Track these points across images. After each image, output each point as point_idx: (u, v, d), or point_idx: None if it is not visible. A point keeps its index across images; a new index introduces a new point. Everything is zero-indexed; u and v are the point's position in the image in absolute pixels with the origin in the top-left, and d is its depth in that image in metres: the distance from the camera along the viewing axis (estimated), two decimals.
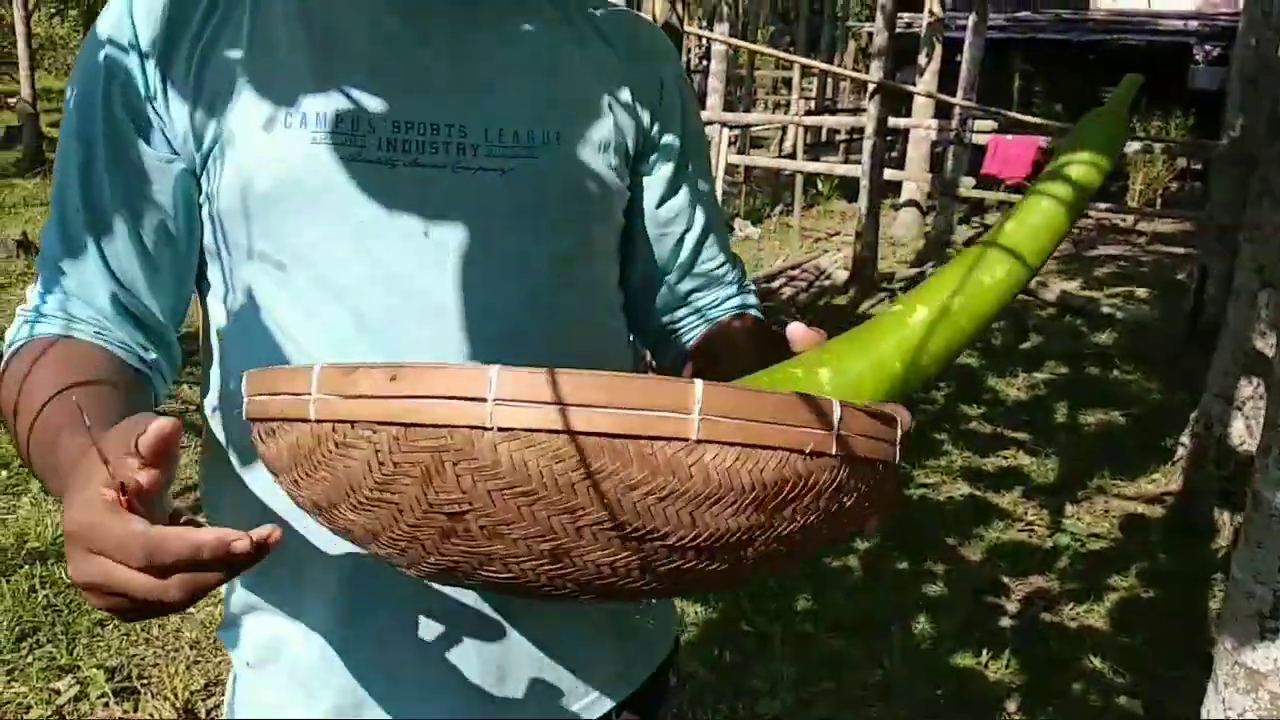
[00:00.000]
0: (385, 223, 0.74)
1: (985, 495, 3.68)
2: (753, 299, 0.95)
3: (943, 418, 4.51)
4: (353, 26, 0.77)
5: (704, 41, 11.96)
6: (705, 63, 11.47)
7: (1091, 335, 6.20)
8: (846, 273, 7.26)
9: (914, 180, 9.49)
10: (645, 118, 0.86)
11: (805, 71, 13.45)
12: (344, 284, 0.75)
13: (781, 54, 10.18)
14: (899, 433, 0.56)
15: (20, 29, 9.90)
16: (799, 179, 10.03)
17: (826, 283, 7.28)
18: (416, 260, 0.75)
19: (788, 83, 12.86)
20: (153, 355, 0.78)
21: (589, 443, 0.46)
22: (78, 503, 0.52)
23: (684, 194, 0.90)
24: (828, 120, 12.89)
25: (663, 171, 0.89)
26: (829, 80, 16.71)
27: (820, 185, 11.51)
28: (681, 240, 0.91)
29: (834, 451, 0.50)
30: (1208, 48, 14.60)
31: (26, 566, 2.78)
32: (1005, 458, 4.07)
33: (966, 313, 0.66)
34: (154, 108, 0.75)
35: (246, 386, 0.57)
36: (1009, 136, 9.84)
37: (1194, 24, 15.37)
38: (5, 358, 0.74)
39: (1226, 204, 5.18)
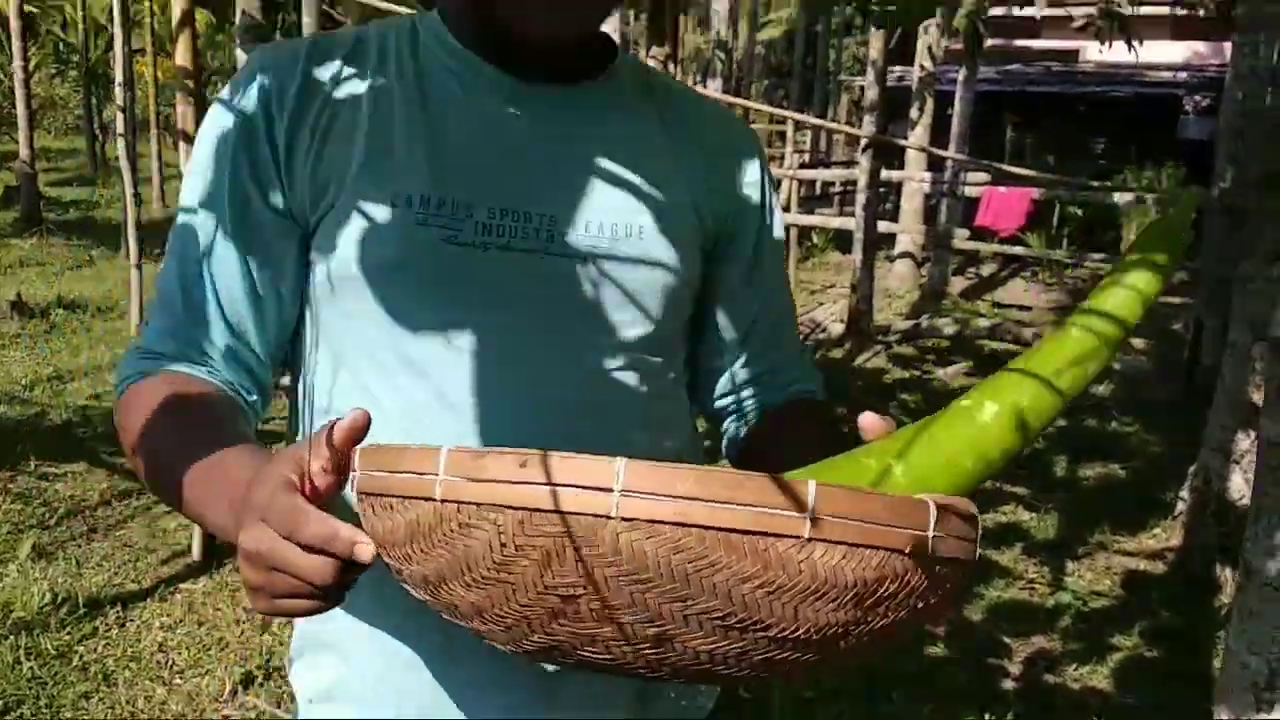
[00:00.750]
0: (472, 302, 0.81)
1: (985, 552, 3.64)
2: (814, 385, 0.99)
3: None
4: (464, 113, 0.83)
5: None
6: None
7: (1089, 386, 6.19)
8: (842, 325, 7.28)
9: (908, 232, 9.55)
10: (726, 216, 0.92)
11: (799, 125, 13.61)
12: (427, 359, 0.81)
13: (775, 110, 10.30)
14: (978, 532, 0.59)
15: (20, 90, 10.01)
16: (794, 232, 10.09)
17: (823, 335, 7.29)
18: (497, 340, 0.81)
19: (781, 136, 13.01)
20: (253, 397, 0.85)
21: (707, 536, 0.49)
22: (262, 481, 0.60)
23: (756, 290, 0.95)
24: (822, 174, 13.03)
25: (739, 268, 0.94)
26: (822, 134, 16.90)
27: (815, 238, 11.59)
28: (750, 331, 0.95)
29: (930, 552, 0.53)
30: (1197, 98, 14.80)
31: (11, 637, 2.73)
32: (1005, 513, 4.04)
33: (1034, 412, 0.66)
34: (278, 176, 0.82)
35: (359, 461, 0.59)
36: (1002, 188, 9.92)
37: (1182, 75, 15.59)
38: (123, 388, 0.82)
39: (1219, 255, 5.21)
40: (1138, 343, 7.41)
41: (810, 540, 0.49)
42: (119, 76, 6.52)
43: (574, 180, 0.84)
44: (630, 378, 0.85)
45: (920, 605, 0.54)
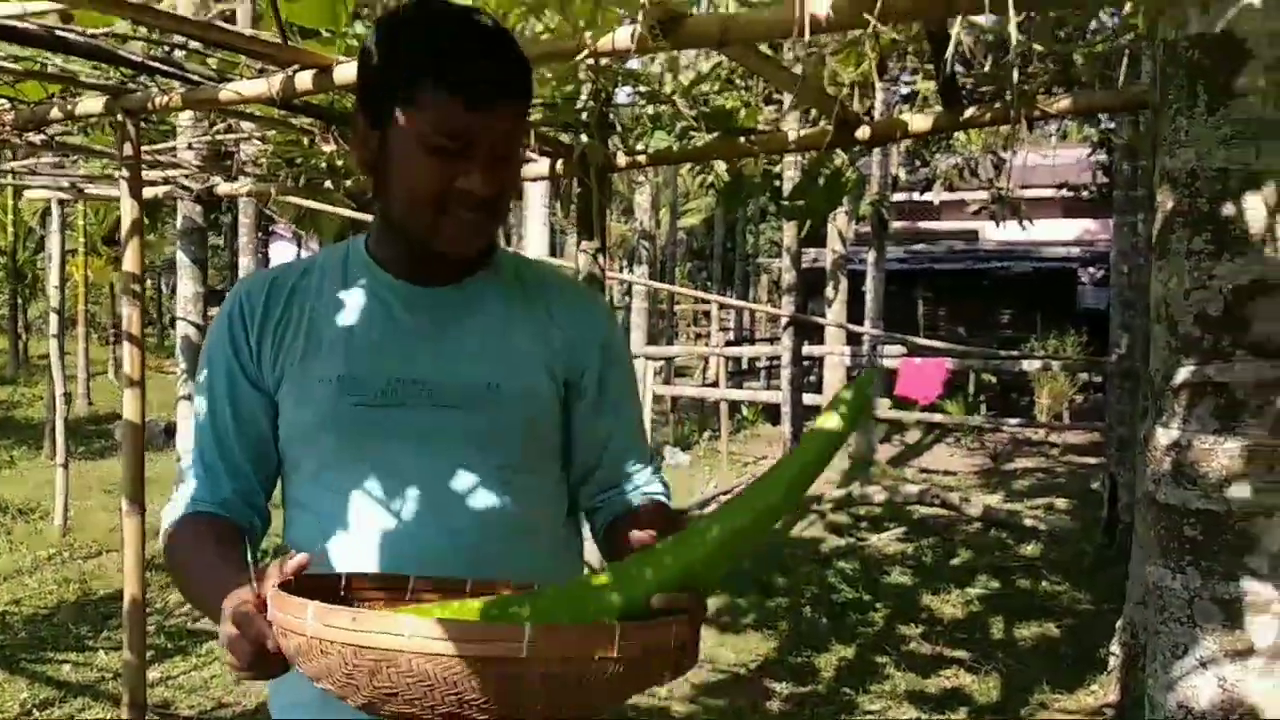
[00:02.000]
0: (379, 447, 1.15)
1: (931, 718, 3.66)
2: (658, 487, 1.29)
3: (883, 638, 4.52)
4: (372, 313, 1.19)
5: (625, 283, 12.62)
6: (628, 299, 12.06)
7: (1017, 547, 6.36)
8: None
9: None
10: (572, 366, 1.23)
11: (722, 305, 14.18)
12: (353, 489, 1.15)
13: (698, 293, 10.78)
14: (671, 636, 0.90)
15: None
16: (724, 406, 10.36)
17: None
18: (400, 473, 1.14)
19: (707, 315, 13.55)
20: (257, 521, 1.22)
21: (462, 663, 0.82)
22: (233, 600, 0.93)
23: (604, 418, 1.26)
24: (746, 350, 13.51)
25: (588, 402, 1.25)
26: (745, 312, 17.59)
27: (745, 411, 11.88)
28: (605, 449, 1.27)
29: (614, 656, 0.85)
30: (1092, 270, 15.88)
31: None
32: (947, 677, 4.07)
33: (744, 535, 0.98)
34: (254, 365, 1.19)
35: (271, 601, 0.90)
36: (917, 360, 10.40)
37: (1076, 250, 16.79)
38: (172, 529, 1.17)
39: (1122, 415, 5.53)
40: (1061, 504, 7.66)
41: (527, 659, 0.82)
42: (54, 278, 6.64)
43: (449, 354, 1.17)
44: (501, 495, 1.16)
45: (628, 685, 0.90)
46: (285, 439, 1.19)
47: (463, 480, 1.15)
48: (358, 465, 1.14)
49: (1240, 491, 1.27)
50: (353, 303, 1.19)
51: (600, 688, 0.86)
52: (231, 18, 3.19)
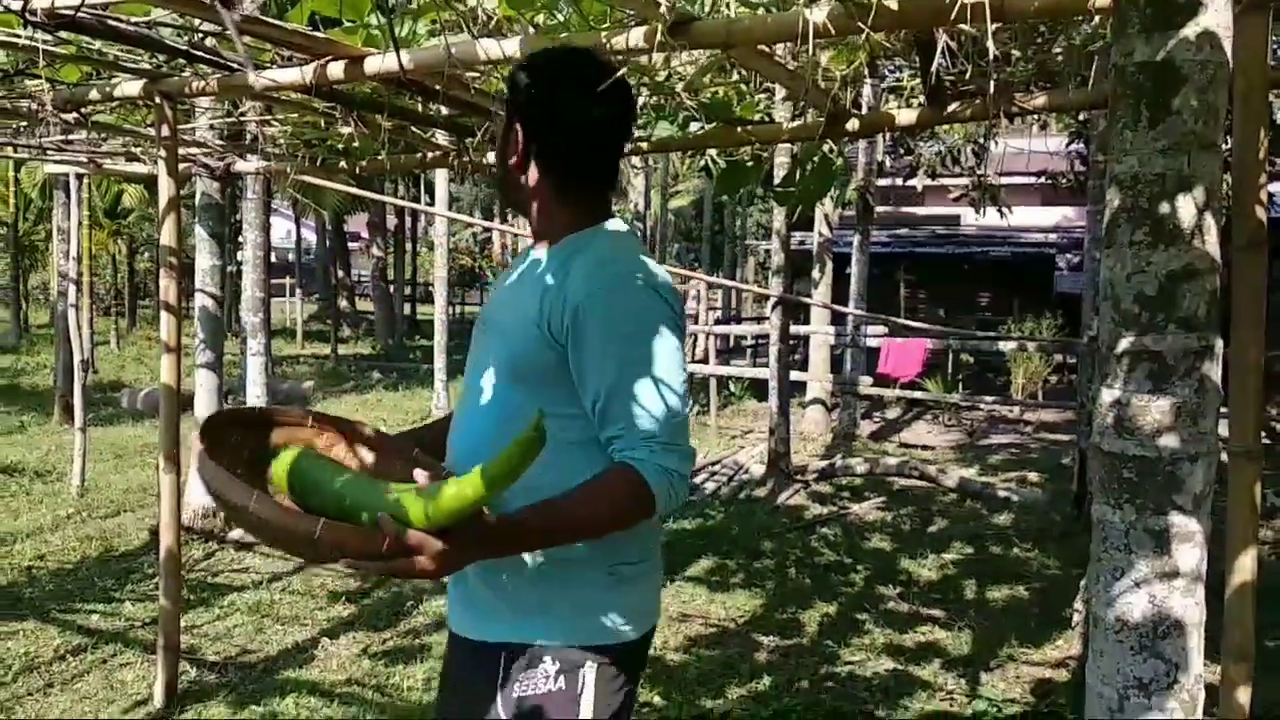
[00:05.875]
0: (468, 360, 1.66)
1: (907, 668, 3.95)
2: (632, 457, 1.41)
3: (863, 598, 4.81)
4: (498, 285, 1.73)
5: None
6: None
7: (991, 517, 6.68)
8: (763, 466, 7.70)
9: (817, 380, 10.17)
10: (558, 328, 1.47)
11: (711, 285, 14.42)
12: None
13: (688, 272, 11.01)
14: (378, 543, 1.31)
15: None
16: (713, 382, 10.65)
17: (745, 476, 7.69)
18: (467, 378, 1.64)
19: (697, 295, 13.83)
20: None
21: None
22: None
23: (587, 378, 1.46)
24: (735, 329, 13.77)
25: (573, 360, 1.47)
26: (733, 292, 17.84)
27: (733, 386, 12.18)
28: (592, 405, 1.46)
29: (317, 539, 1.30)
30: (1069, 256, 16.21)
31: None
32: (923, 633, 4.37)
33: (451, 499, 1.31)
34: None
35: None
36: (899, 340, 10.69)
37: (1053, 236, 17.11)
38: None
39: (1092, 395, 5.82)
40: (1033, 477, 8.00)
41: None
42: (72, 249, 6.81)
43: (500, 301, 1.65)
44: (494, 403, 1.54)
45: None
46: None
47: (480, 388, 1.57)
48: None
49: (1169, 441, 1.54)
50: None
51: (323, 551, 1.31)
52: (264, 8, 3.39)
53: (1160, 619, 1.56)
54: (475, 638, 1.53)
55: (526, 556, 1.48)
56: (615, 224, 1.59)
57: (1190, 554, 1.56)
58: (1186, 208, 1.51)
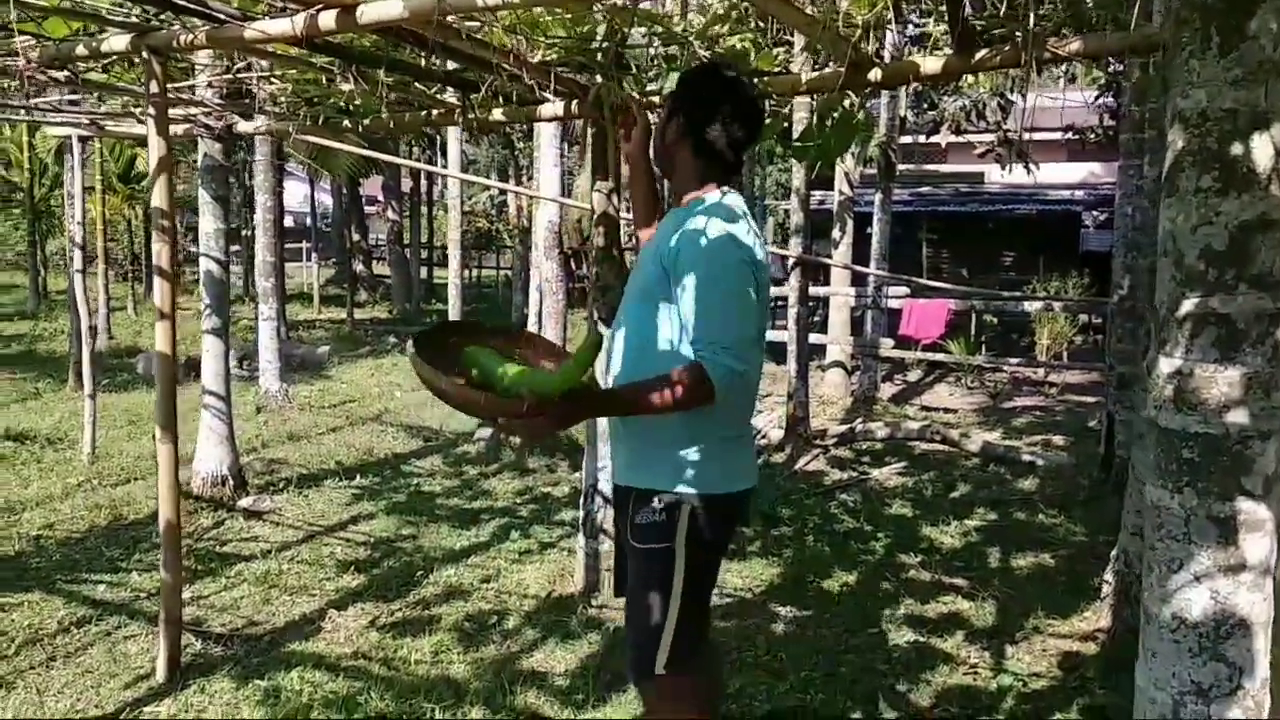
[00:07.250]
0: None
1: (929, 640, 3.82)
2: (703, 362, 2.00)
3: (884, 566, 4.68)
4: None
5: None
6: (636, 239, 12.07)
7: (1015, 482, 6.51)
8: (782, 431, 7.55)
9: (837, 343, 9.98)
10: (667, 266, 2.08)
11: None
12: None
13: None
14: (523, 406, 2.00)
15: None
16: None
17: (763, 441, 7.54)
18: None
19: None
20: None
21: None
22: None
23: (681, 304, 2.06)
24: None
25: (675, 291, 2.07)
26: None
27: None
28: (684, 325, 2.06)
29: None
30: (1095, 213, 15.84)
31: None
32: (945, 603, 4.23)
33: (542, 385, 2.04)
34: None
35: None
36: (921, 300, 10.46)
37: (1080, 193, 16.71)
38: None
39: (1122, 355, 5.62)
40: (1058, 440, 7.81)
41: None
42: (78, 214, 6.69)
43: (650, 242, 2.26)
44: (632, 325, 2.17)
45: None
46: None
47: (628, 305, 2.21)
48: None
49: (1238, 417, 1.37)
50: None
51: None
52: None
53: (1223, 617, 1.40)
54: (621, 483, 2.22)
55: (653, 431, 2.09)
56: (731, 198, 2.17)
57: (1259, 544, 1.39)
58: (1262, 148, 1.33)
